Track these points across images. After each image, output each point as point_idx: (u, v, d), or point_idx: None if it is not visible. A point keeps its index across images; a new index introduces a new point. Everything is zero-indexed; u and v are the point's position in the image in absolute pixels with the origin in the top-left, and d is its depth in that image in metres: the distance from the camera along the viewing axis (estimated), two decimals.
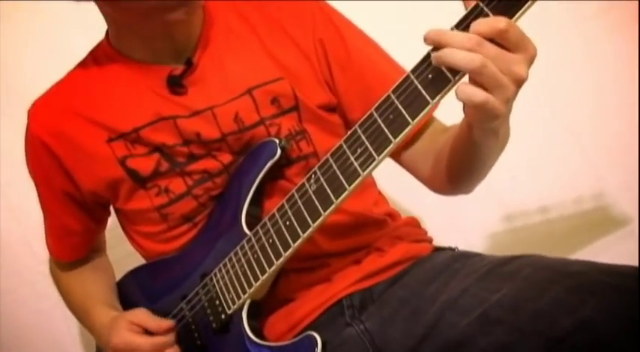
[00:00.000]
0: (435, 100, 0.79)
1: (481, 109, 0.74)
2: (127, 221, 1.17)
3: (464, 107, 0.79)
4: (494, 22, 0.70)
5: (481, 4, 0.73)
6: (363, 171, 0.88)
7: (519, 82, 0.73)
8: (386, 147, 0.85)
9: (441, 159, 1.04)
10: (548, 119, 1.66)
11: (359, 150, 0.89)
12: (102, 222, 1.25)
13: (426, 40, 0.74)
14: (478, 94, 0.72)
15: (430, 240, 1.21)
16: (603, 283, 0.84)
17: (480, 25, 0.71)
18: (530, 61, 0.73)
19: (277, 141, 1.03)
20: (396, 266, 1.10)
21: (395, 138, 0.84)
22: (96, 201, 1.15)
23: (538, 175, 1.67)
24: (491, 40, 0.71)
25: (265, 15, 1.11)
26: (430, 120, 1.10)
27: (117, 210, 1.18)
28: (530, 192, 1.66)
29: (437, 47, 0.74)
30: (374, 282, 1.09)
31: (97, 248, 1.31)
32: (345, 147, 0.90)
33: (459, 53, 0.71)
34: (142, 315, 1.09)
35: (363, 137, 0.88)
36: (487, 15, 0.72)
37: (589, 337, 0.80)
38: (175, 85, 1.05)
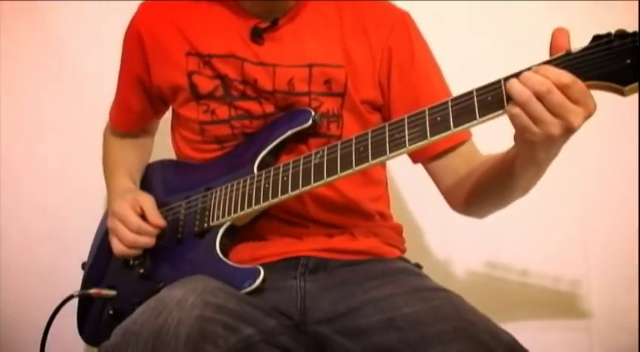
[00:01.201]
0: (481, 119, 0.96)
1: (519, 131, 0.92)
2: (176, 121, 1.38)
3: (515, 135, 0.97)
4: (560, 75, 0.88)
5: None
6: (356, 166, 1.07)
7: (568, 128, 0.89)
8: (380, 154, 1.05)
9: (468, 180, 1.23)
10: (564, 196, 1.78)
11: (361, 148, 1.08)
12: (158, 112, 1.47)
13: (521, 79, 0.91)
14: (521, 117, 0.90)
15: (402, 250, 1.38)
16: (480, 337, 0.99)
17: (549, 72, 0.88)
18: (588, 115, 0.89)
19: (313, 113, 1.22)
20: (359, 254, 1.28)
21: (410, 145, 1.03)
22: (159, 95, 1.36)
23: (535, 240, 1.79)
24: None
25: (357, 12, 1.29)
26: (468, 142, 1.27)
27: (172, 110, 1.39)
28: (521, 252, 1.78)
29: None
30: (333, 257, 1.26)
31: (148, 130, 1.54)
32: (353, 141, 1.09)
33: (519, 85, 0.90)
34: (148, 202, 1.28)
35: (371, 139, 1.07)
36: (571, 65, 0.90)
37: None
38: (257, 35, 1.25)
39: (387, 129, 1.06)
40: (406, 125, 1.03)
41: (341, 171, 1.09)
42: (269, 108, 1.26)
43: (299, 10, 1.27)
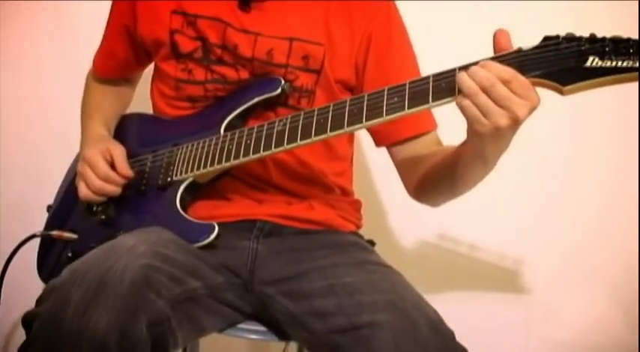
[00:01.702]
0: (433, 104, 1.01)
1: (470, 123, 0.97)
2: (156, 74, 1.41)
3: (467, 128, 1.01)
4: (502, 71, 0.93)
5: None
6: (315, 136, 1.12)
7: (514, 120, 0.93)
8: (338, 128, 1.10)
9: (421, 168, 1.28)
10: (526, 176, 1.84)
11: (321, 120, 1.12)
12: (141, 64, 1.50)
13: (469, 73, 0.95)
14: (471, 109, 0.94)
15: (358, 225, 1.44)
16: (407, 311, 1.04)
17: (493, 67, 0.93)
18: (532, 108, 0.94)
19: (282, 82, 1.26)
20: (314, 224, 1.33)
21: (364, 121, 1.07)
22: (142, 46, 1.39)
23: (486, 215, 1.84)
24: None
25: None
26: (432, 133, 1.33)
27: (154, 62, 1.42)
28: (471, 226, 1.85)
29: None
30: (289, 224, 1.31)
31: (130, 80, 1.58)
32: (315, 112, 1.14)
33: (467, 79, 0.94)
34: (118, 151, 1.32)
35: (332, 112, 1.11)
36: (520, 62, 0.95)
37: (366, 335, 1.02)
38: (245, 3, 1.29)
39: (347, 103, 1.10)
40: (365, 102, 1.08)
41: (300, 140, 1.13)
42: (244, 75, 1.30)
43: None
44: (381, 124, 1.09)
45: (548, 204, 1.84)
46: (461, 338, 1.07)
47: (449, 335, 1.05)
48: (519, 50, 0.96)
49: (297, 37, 1.28)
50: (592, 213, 1.81)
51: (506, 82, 0.92)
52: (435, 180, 1.24)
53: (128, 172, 1.30)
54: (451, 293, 1.89)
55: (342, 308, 1.08)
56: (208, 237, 1.19)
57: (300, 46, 1.28)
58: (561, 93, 0.92)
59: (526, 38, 0.99)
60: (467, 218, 1.81)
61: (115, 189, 1.29)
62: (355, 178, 1.51)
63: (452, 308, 1.83)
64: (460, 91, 0.96)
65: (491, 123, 0.94)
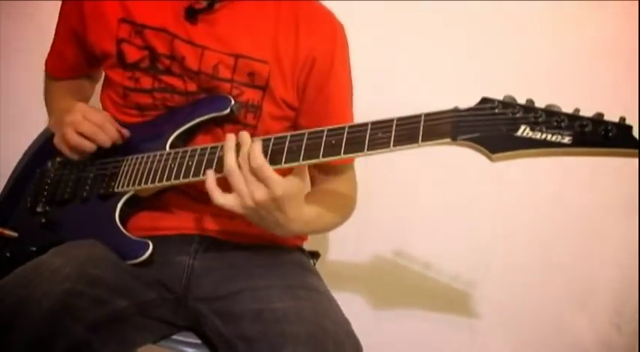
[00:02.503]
0: (369, 152, 1.01)
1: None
2: (105, 80, 1.39)
3: None
4: (253, 159, 1.04)
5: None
6: None
7: (256, 202, 1.05)
8: (277, 163, 1.09)
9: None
10: (477, 199, 1.84)
11: None
12: (93, 67, 1.47)
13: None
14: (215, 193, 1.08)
15: (303, 238, 1.45)
16: (325, 344, 1.06)
17: (252, 151, 1.05)
18: (270, 196, 1.05)
19: (232, 102, 1.25)
20: (256, 239, 1.33)
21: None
22: (92, 53, 1.36)
23: (443, 233, 1.85)
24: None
25: (295, 14, 1.30)
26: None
27: (104, 69, 1.39)
28: (427, 243, 1.85)
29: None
30: (230, 239, 1.32)
31: (92, 77, 1.56)
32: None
33: (232, 158, 1.06)
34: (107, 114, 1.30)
35: (271, 146, 1.11)
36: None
37: None
38: (190, 15, 1.27)
39: (287, 139, 1.09)
40: (305, 140, 1.07)
41: None
42: (192, 87, 1.29)
43: None
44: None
45: (504, 230, 1.85)
46: None
47: None
48: (456, 109, 0.95)
49: (243, 54, 1.27)
50: (544, 244, 1.83)
51: (252, 170, 1.05)
52: None
53: (124, 130, 1.30)
54: (399, 310, 1.90)
55: (267, 336, 1.09)
56: (142, 255, 1.20)
57: (245, 63, 1.27)
58: (490, 159, 0.91)
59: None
60: (425, 236, 1.83)
61: (105, 139, 1.26)
62: None
63: (397, 323, 1.88)
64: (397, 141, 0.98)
65: (240, 202, 1.07)
